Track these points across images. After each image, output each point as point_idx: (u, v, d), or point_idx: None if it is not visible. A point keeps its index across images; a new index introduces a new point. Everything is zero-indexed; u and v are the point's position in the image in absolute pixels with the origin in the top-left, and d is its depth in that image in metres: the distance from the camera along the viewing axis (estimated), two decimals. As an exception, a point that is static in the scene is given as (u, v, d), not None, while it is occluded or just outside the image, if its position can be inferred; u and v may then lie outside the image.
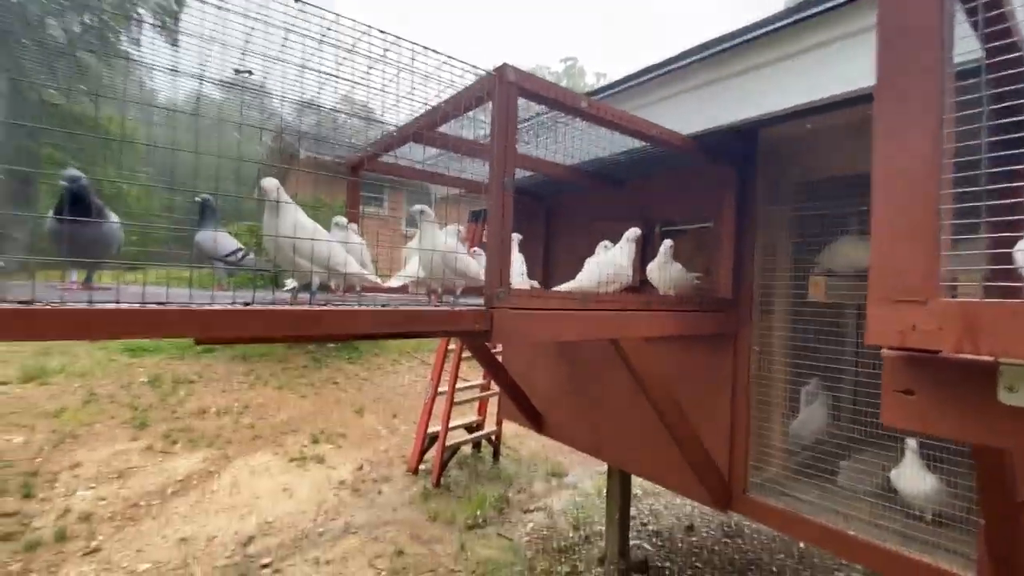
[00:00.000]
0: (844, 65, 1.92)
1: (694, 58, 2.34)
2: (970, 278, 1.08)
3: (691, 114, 2.41)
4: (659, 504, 4.89)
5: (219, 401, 7.35)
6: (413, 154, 3.08)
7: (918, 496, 2.26)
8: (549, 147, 2.78)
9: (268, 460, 5.48)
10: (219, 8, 1.27)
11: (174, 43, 1.61)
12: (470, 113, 1.89)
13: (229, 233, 2.34)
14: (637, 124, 2.12)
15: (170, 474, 5.02)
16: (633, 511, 4.58)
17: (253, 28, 1.33)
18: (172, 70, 1.57)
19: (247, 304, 1.18)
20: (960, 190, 0.74)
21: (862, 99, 2.00)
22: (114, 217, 1.54)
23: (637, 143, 2.49)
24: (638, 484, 4.93)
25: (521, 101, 1.78)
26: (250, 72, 1.60)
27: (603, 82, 2.90)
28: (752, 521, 2.86)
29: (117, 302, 1.03)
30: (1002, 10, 0.94)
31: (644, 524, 4.47)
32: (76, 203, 1.35)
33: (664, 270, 2.42)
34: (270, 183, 1.45)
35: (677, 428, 2.41)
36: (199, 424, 6.40)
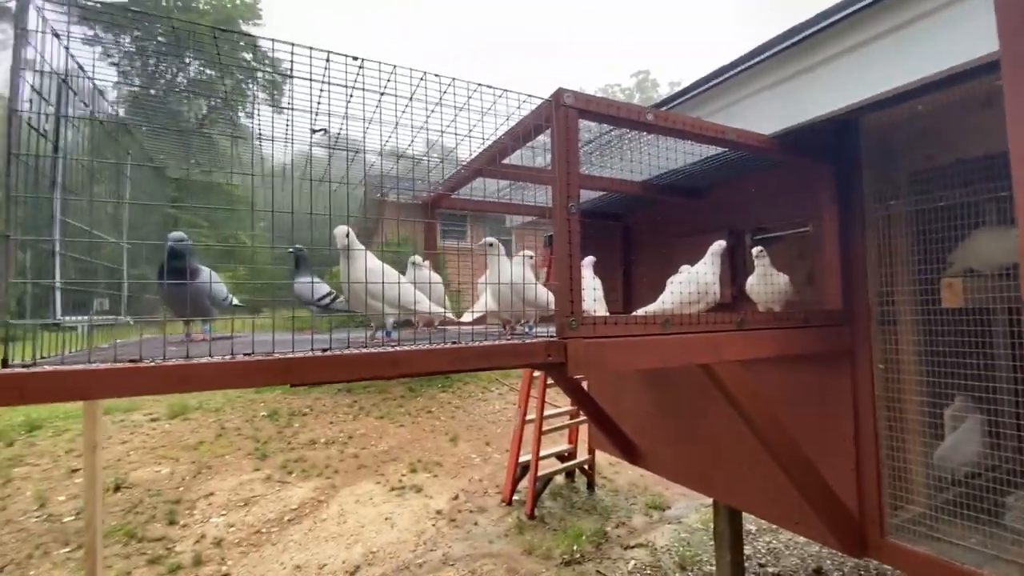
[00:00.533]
0: (953, 34, 1.66)
1: (773, 51, 2.15)
2: None
3: (775, 112, 2.21)
4: (778, 542, 4.37)
5: (327, 432, 7.89)
6: (487, 187, 3.14)
7: None
8: (618, 165, 2.69)
9: (371, 489, 5.73)
10: (317, 82, 1.39)
11: (280, 113, 1.80)
12: (539, 139, 1.88)
13: (323, 279, 2.53)
14: (709, 129, 1.97)
15: (286, 502, 5.41)
16: (749, 550, 4.14)
17: (323, 91, 1.43)
18: (268, 137, 1.74)
19: (325, 350, 1.23)
20: None
21: (988, 68, 1.71)
22: (205, 276, 1.72)
23: (714, 150, 2.33)
24: (751, 519, 4.47)
25: (585, 123, 1.74)
26: (325, 131, 1.72)
27: (677, 90, 2.77)
28: (895, 568, 2.42)
29: (210, 356, 1.12)
30: None
31: (762, 566, 4.00)
32: (174, 258, 1.54)
33: (765, 283, 2.19)
34: (340, 231, 1.53)
35: (788, 460, 2.13)
36: (310, 454, 6.89)
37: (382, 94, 1.45)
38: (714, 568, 3.92)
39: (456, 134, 1.72)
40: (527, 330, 1.95)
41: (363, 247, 1.56)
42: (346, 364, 1.22)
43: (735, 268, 2.85)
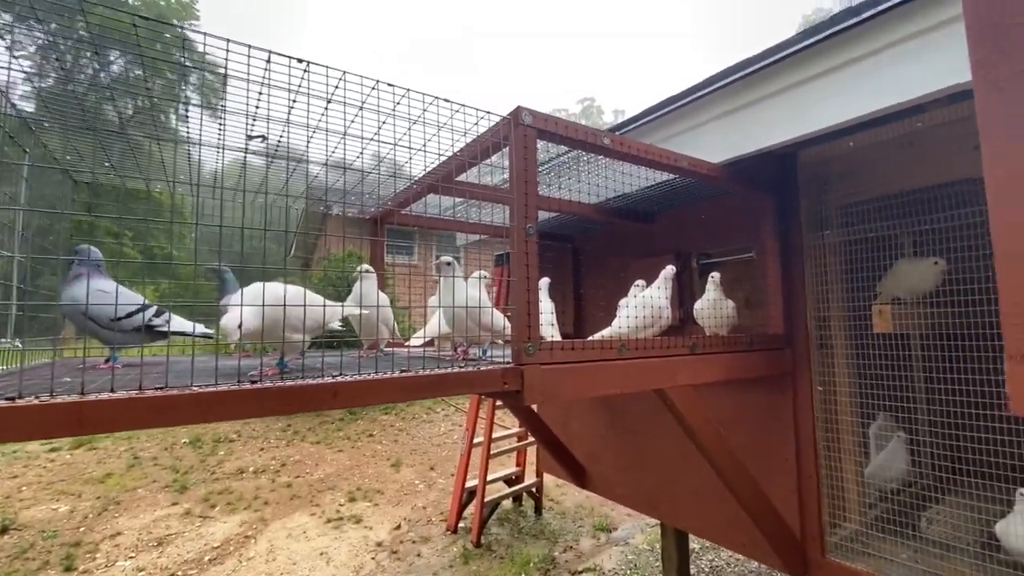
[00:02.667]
0: (884, 78, 1.78)
1: (719, 84, 2.24)
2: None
3: (721, 142, 2.29)
4: (720, 560, 4.45)
5: (257, 460, 7.33)
6: (439, 203, 3.05)
7: (1036, 555, 1.92)
8: (573, 187, 2.69)
9: (305, 522, 5.34)
10: (262, 85, 1.25)
11: (215, 117, 1.64)
12: (492, 159, 1.82)
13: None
14: (662, 156, 2.00)
15: (208, 540, 4.93)
16: (693, 569, 4.17)
17: (261, 94, 1.30)
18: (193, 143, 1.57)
19: (254, 382, 1.09)
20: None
21: (913, 110, 1.85)
22: (78, 292, 1.51)
23: (665, 176, 2.38)
24: (696, 538, 4.52)
25: (541, 143, 1.70)
26: (264, 137, 1.58)
27: (622, 119, 2.82)
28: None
29: (112, 391, 0.95)
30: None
31: (706, 584, 4.05)
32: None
33: (716, 307, 2.23)
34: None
35: (736, 483, 2.15)
36: (237, 485, 6.35)
37: (329, 100, 1.35)
38: (660, 590, 3.92)
39: (410, 147, 1.63)
40: (481, 354, 1.86)
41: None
42: (278, 397, 1.09)
43: (682, 292, 2.91)
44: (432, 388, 1.29)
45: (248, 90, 1.31)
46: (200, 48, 1.21)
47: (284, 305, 1.30)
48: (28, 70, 1.45)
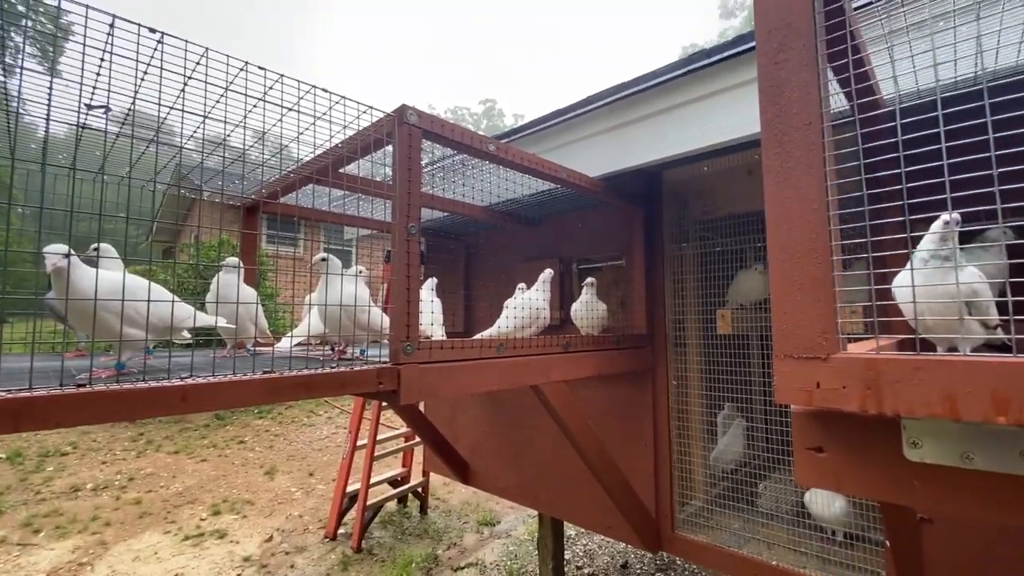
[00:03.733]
0: (735, 112, 2.06)
1: (600, 103, 2.42)
2: (850, 317, 1.12)
3: (601, 156, 2.48)
4: (593, 543, 4.79)
5: (97, 475, 6.36)
6: (325, 193, 2.90)
7: (829, 518, 2.35)
8: (463, 187, 2.73)
9: (157, 541, 4.75)
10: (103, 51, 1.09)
11: (55, 74, 1.39)
12: (376, 154, 1.79)
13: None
14: (545, 167, 2.12)
15: (28, 571, 4.17)
16: (568, 554, 4.44)
17: (102, 61, 1.15)
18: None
19: (80, 385, 0.96)
20: (845, 238, 0.74)
21: (752, 144, 2.16)
22: None
23: (549, 184, 2.51)
24: (571, 525, 4.81)
25: (429, 143, 1.71)
26: (106, 108, 1.39)
27: (521, 122, 2.93)
28: (682, 558, 2.86)
29: None
30: (865, 69, 1.01)
31: (579, 568, 4.33)
32: None
33: (589, 309, 2.40)
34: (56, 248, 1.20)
35: (602, 470, 2.35)
36: (69, 506, 5.45)
37: (188, 78, 1.23)
38: (538, 577, 4.12)
39: (285, 137, 1.54)
40: (359, 354, 1.81)
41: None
42: (111, 403, 0.97)
43: (563, 294, 3.09)
44: (298, 390, 1.24)
45: (92, 57, 1.15)
46: None
47: (123, 300, 1.16)
48: None
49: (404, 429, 5.63)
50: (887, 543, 1.59)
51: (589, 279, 2.46)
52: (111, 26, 1.05)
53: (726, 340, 2.70)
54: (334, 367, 1.38)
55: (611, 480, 2.37)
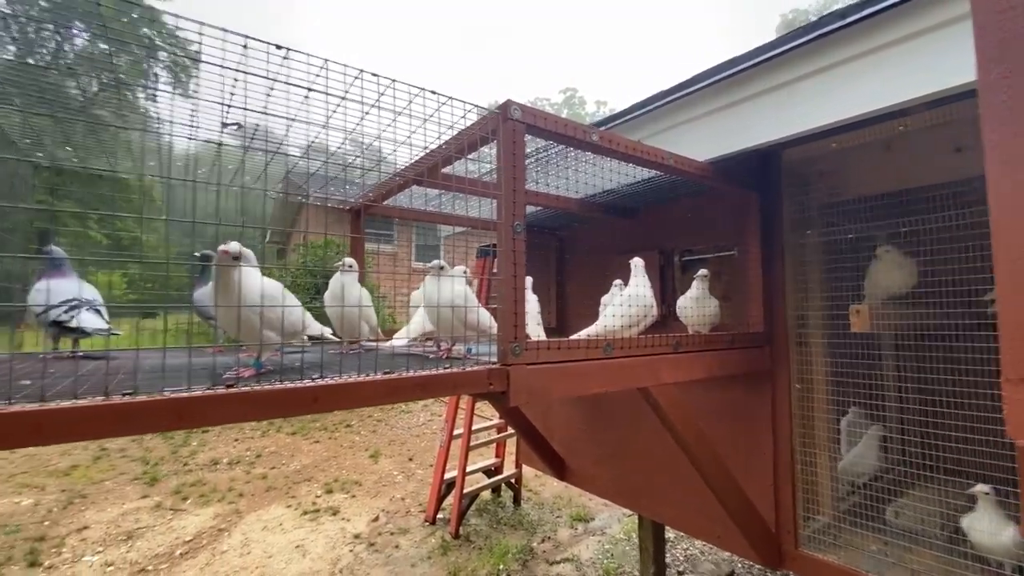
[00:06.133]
0: (871, 82, 1.79)
1: (707, 82, 2.23)
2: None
3: (708, 139, 2.29)
4: (694, 548, 4.56)
5: (231, 451, 7.20)
6: (424, 193, 2.99)
7: (995, 548, 2.00)
8: (557, 180, 2.66)
9: (281, 514, 5.27)
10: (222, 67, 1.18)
11: (188, 97, 1.55)
12: (481, 150, 1.78)
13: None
14: (651, 154, 1.99)
15: (179, 534, 4.82)
16: (668, 558, 4.26)
17: (237, 81, 1.23)
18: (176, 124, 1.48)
19: (230, 387, 1.04)
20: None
21: (895, 115, 1.87)
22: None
23: (650, 172, 2.36)
24: (670, 529, 4.61)
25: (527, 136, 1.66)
26: (239, 125, 1.51)
27: (604, 110, 2.81)
28: None
29: (75, 397, 0.89)
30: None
31: (680, 573, 4.14)
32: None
33: (701, 305, 2.24)
34: (234, 246, 1.30)
35: (715, 478, 2.19)
36: (211, 477, 6.23)
37: (310, 89, 1.28)
38: (637, 579, 4.00)
39: (397, 140, 1.57)
40: (466, 352, 1.83)
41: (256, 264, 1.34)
42: (256, 403, 1.04)
43: (664, 288, 2.92)
44: (417, 390, 1.26)
45: (223, 77, 1.23)
46: (171, 25, 1.12)
47: (262, 306, 1.25)
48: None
49: (497, 420, 5.73)
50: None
51: (702, 271, 2.29)
52: (244, 47, 1.12)
53: (855, 339, 2.39)
54: (447, 368, 1.39)
55: (724, 489, 2.20)
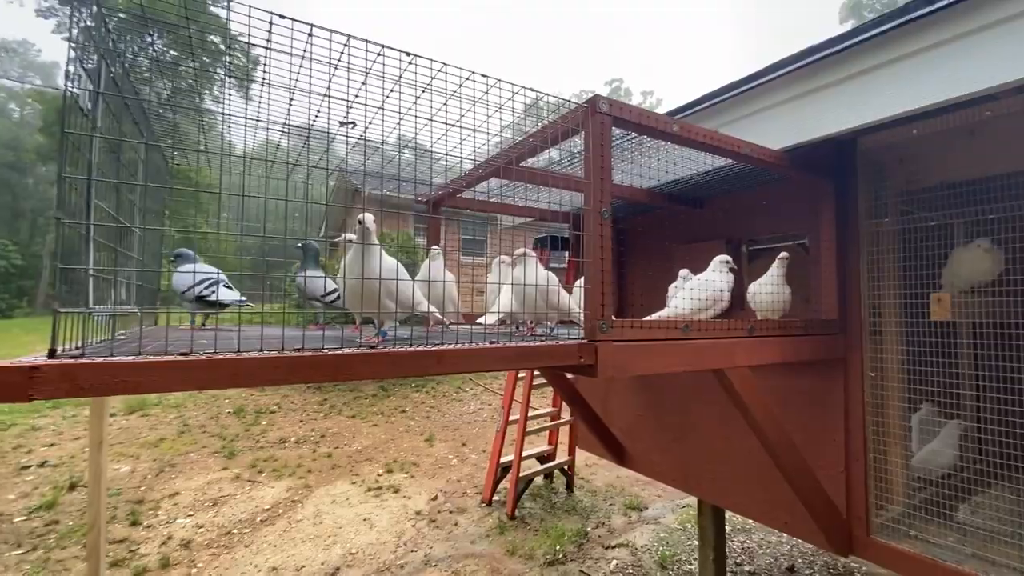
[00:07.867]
0: (961, 66, 1.78)
1: (782, 71, 2.25)
2: None
3: (781, 128, 2.31)
4: (752, 541, 4.54)
5: (297, 431, 7.67)
6: (486, 186, 3.13)
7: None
8: (626, 170, 2.74)
9: (347, 489, 5.61)
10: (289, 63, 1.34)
11: (247, 98, 1.73)
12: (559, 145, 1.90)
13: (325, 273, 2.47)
14: (727, 142, 2.04)
15: (258, 503, 5.24)
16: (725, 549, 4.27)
17: (363, 84, 1.39)
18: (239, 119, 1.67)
19: (372, 347, 1.21)
20: None
21: (980, 100, 1.85)
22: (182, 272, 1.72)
23: (720, 161, 2.41)
24: (727, 519, 4.61)
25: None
26: (354, 123, 1.68)
27: (650, 100, 2.86)
28: (872, 565, 2.59)
29: (260, 350, 1.08)
30: None
31: (738, 564, 4.15)
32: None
33: (771, 292, 2.28)
34: (370, 218, 1.48)
35: (787, 463, 2.22)
36: (281, 453, 6.68)
37: (399, 79, 1.42)
38: (692, 567, 4.04)
39: (488, 132, 1.71)
40: (549, 331, 1.96)
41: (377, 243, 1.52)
42: (394, 361, 1.21)
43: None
44: (520, 360, 1.40)
45: (345, 77, 1.40)
46: (234, 27, 1.24)
47: (379, 279, 1.42)
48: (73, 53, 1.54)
49: (549, 409, 5.87)
50: None
51: (783, 254, 2.32)
52: (379, 54, 1.28)
53: (930, 329, 2.36)
54: (543, 339, 1.52)
55: (796, 473, 2.24)
